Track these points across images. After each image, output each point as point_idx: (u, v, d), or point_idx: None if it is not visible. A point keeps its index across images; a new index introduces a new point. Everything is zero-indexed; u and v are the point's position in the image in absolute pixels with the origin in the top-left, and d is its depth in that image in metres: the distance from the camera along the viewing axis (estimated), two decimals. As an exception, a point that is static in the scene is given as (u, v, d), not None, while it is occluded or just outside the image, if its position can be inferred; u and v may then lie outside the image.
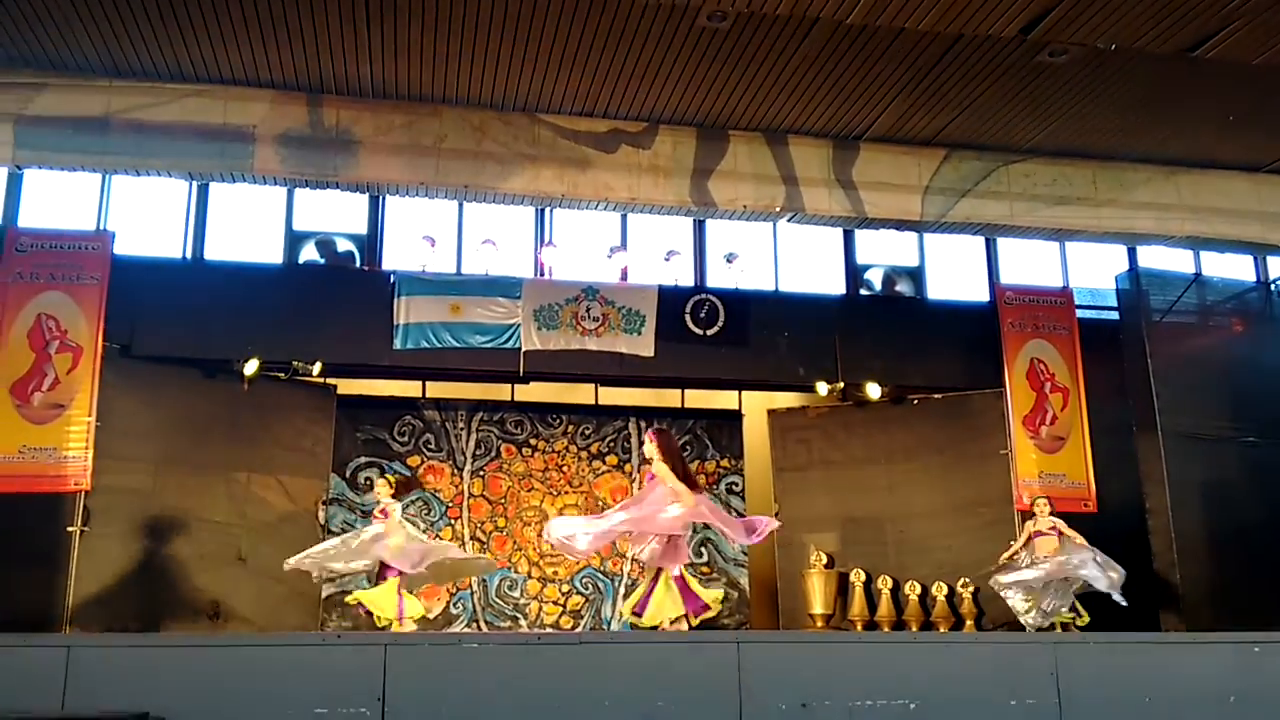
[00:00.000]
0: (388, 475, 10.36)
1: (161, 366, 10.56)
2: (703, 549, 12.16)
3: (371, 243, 11.72)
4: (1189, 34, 8.80)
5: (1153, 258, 12.83)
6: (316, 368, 11.12)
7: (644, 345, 11.39)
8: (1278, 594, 10.55)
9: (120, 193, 11.21)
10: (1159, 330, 11.68)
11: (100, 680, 5.31)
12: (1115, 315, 12.33)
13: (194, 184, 11.13)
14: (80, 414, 9.57)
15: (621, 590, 11.82)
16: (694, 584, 7.78)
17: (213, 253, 11.34)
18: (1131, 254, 13.01)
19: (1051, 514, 10.05)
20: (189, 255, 11.26)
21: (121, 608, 9.83)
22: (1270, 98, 10.28)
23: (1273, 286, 13.05)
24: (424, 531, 11.36)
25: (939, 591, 11.75)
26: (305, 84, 10.18)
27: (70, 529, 9.47)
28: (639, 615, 7.71)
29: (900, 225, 11.66)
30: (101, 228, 10.89)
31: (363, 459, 11.70)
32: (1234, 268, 13.40)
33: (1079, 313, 12.20)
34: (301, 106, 10.29)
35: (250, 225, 11.65)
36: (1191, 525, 11.13)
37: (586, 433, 12.40)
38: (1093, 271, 13.40)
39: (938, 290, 12.84)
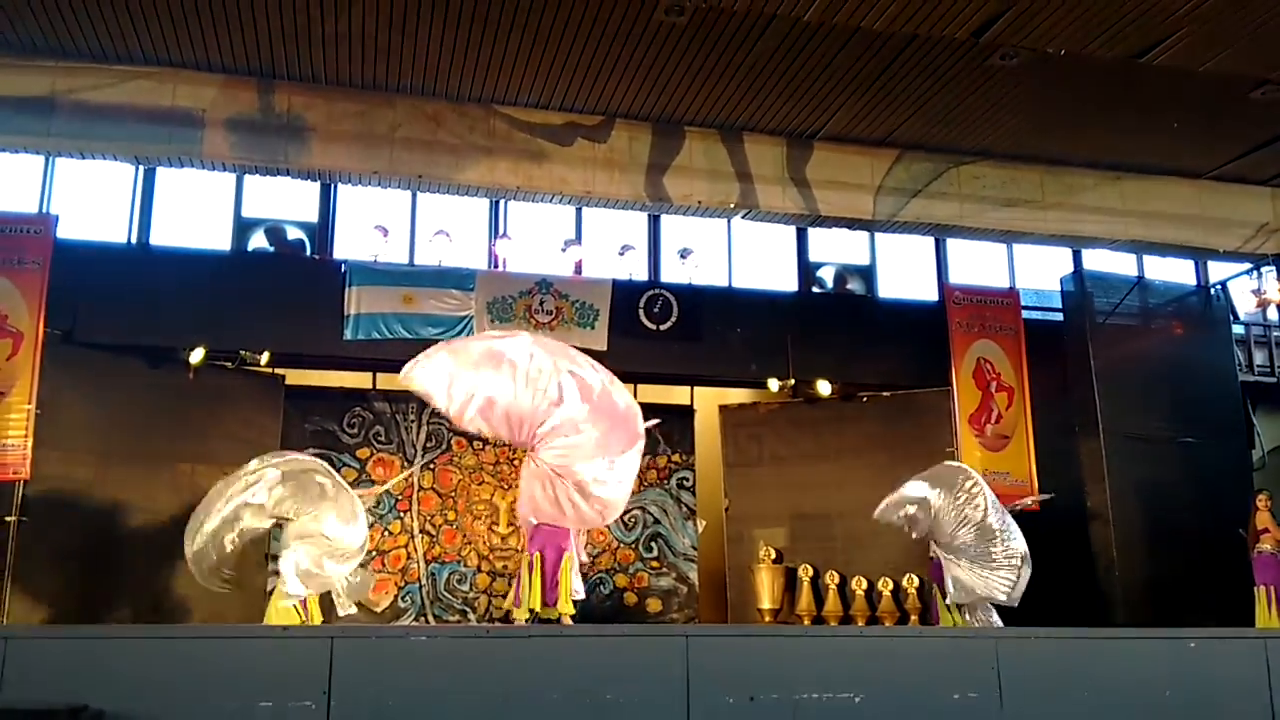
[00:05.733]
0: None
1: (105, 354, 10.35)
2: (653, 543, 12.19)
3: (322, 231, 11.61)
4: (1136, 40, 8.97)
5: (1097, 260, 13.06)
6: (264, 357, 10.98)
7: (597, 339, 11.37)
8: (1214, 591, 10.82)
9: (64, 175, 10.98)
10: (1102, 332, 11.92)
11: (38, 672, 5.20)
12: (1060, 316, 12.59)
13: (140, 168, 10.93)
14: (20, 402, 9.36)
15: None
16: (565, 577, 7.61)
17: (159, 238, 11.15)
18: (1076, 256, 13.24)
19: None
20: (134, 240, 11.06)
21: (61, 599, 9.64)
22: (1214, 106, 10.52)
23: (1212, 290, 13.35)
24: (371, 525, 11.26)
25: (885, 587, 11.90)
26: (256, 69, 10.03)
27: (9, 519, 9.27)
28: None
29: (852, 224, 11.77)
30: (44, 211, 10.66)
31: (311, 451, 11.50)
32: (1175, 272, 13.71)
33: (1025, 313, 12.40)
34: (252, 92, 10.14)
35: (198, 211, 11.47)
36: (1131, 523, 11.40)
37: (538, 426, 12.33)
38: (1039, 273, 13.64)
39: (888, 289, 12.99)
